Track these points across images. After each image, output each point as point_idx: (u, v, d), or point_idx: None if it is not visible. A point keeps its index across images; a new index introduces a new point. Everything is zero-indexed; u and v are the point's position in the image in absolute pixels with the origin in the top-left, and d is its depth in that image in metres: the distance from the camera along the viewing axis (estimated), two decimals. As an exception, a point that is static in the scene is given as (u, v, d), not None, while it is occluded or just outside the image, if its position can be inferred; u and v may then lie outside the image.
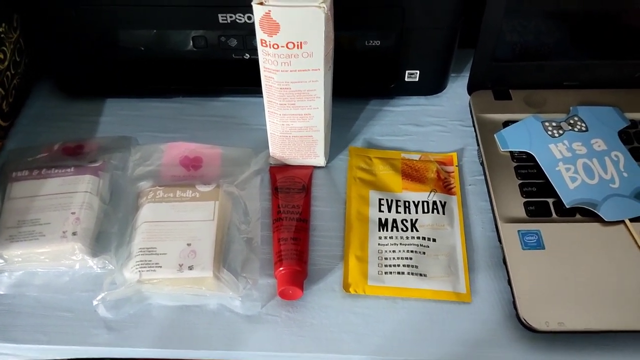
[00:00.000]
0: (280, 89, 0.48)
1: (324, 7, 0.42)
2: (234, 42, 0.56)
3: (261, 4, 0.42)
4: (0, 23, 0.54)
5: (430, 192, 0.53)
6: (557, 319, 0.44)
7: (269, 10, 0.42)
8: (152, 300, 0.47)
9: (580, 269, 0.47)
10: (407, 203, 0.53)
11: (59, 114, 0.61)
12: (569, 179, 0.51)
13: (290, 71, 0.46)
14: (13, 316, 0.47)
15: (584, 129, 0.55)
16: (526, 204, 0.51)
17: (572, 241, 0.48)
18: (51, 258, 0.48)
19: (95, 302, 0.46)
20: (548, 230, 0.49)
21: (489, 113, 0.58)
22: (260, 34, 0.44)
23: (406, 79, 0.59)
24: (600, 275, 0.46)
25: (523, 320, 0.44)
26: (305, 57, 0.45)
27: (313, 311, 0.47)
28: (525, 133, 0.55)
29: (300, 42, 0.44)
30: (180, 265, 0.46)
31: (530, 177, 0.53)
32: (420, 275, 0.48)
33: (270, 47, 0.44)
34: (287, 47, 0.44)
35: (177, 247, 0.47)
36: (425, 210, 0.52)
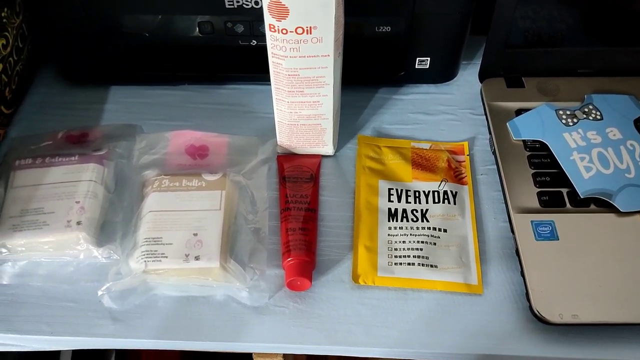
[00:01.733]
0: (289, 75, 0.46)
1: (334, -9, 0.41)
2: (240, 28, 0.55)
3: (270, -13, 0.41)
4: (3, 8, 0.53)
5: (441, 181, 0.52)
6: (571, 311, 0.43)
7: (278, -6, 0.41)
8: (157, 291, 0.46)
9: (594, 261, 0.46)
10: (417, 193, 0.52)
11: (62, 101, 0.60)
12: (584, 168, 0.50)
13: (299, 57, 0.45)
14: (17, 306, 0.46)
15: (598, 117, 0.54)
16: (539, 194, 0.50)
17: (587, 232, 0.47)
18: (55, 248, 0.47)
19: (100, 293, 0.45)
20: (562, 220, 0.48)
21: (501, 101, 0.57)
22: (268, 19, 0.43)
23: (416, 67, 0.58)
24: (615, 266, 0.45)
25: (536, 312, 0.44)
26: (314, 43, 0.44)
27: (321, 302, 0.46)
28: (538, 121, 0.54)
29: (310, 27, 0.43)
30: (187, 256, 0.45)
31: (544, 166, 0.52)
32: (431, 266, 0.47)
33: (278, 33, 0.43)
34: (296, 32, 0.43)
35: (183, 237, 0.46)
36: (436, 200, 0.51)
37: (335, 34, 0.44)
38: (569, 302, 0.44)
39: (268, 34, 0.44)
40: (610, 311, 0.43)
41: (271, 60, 0.46)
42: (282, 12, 0.42)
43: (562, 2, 0.54)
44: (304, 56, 0.45)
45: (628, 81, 0.57)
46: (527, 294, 0.45)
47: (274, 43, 0.44)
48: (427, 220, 0.50)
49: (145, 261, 0.45)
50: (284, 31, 0.43)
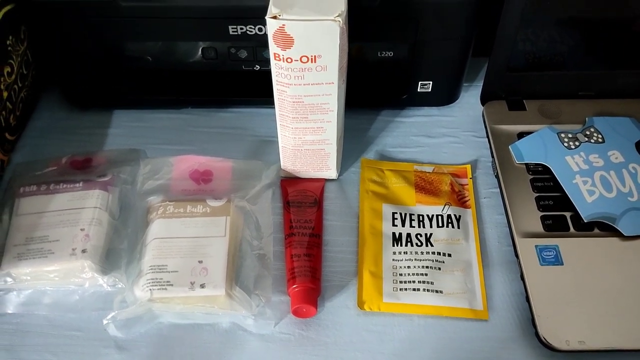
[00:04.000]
0: (293, 102, 0.47)
1: (339, 21, 0.41)
2: (244, 54, 0.55)
3: (275, 17, 0.41)
4: (8, 35, 0.53)
5: (445, 205, 0.52)
6: (577, 337, 0.43)
7: (284, 24, 0.41)
8: (163, 319, 0.46)
9: (600, 286, 0.46)
10: (421, 217, 0.52)
11: (66, 126, 0.60)
12: (587, 192, 0.51)
13: (304, 85, 0.45)
14: (22, 336, 0.46)
15: (600, 140, 0.54)
16: (543, 218, 0.50)
17: (592, 257, 0.47)
18: (61, 276, 0.47)
19: (105, 321, 0.45)
20: (566, 245, 0.48)
21: (503, 124, 0.57)
22: (273, 48, 0.43)
23: (419, 90, 0.58)
24: (621, 291, 0.45)
25: (543, 338, 0.44)
26: (319, 71, 0.44)
27: (327, 329, 0.46)
28: (540, 145, 0.54)
29: (315, 56, 0.43)
30: (192, 284, 0.45)
31: (547, 190, 0.52)
32: (436, 291, 0.47)
33: (283, 61, 0.43)
34: (301, 60, 0.43)
35: (188, 265, 0.46)
36: (440, 225, 0.51)
37: (340, 62, 0.44)
38: (575, 328, 0.44)
39: (273, 62, 0.44)
40: (618, 337, 0.43)
41: (276, 87, 0.46)
42: (287, 42, 0.42)
43: (564, 25, 0.54)
44: (309, 84, 0.45)
45: (629, 103, 0.58)
46: (532, 319, 0.45)
47: (278, 71, 0.45)
48: (432, 245, 0.50)
49: (150, 289, 0.45)
50: (289, 60, 0.43)
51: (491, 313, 0.47)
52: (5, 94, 0.53)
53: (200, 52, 0.56)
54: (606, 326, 0.44)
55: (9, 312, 0.47)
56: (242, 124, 0.60)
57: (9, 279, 0.46)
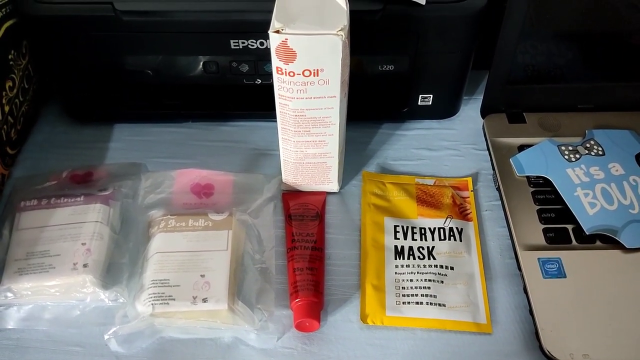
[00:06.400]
0: (295, 116, 0.47)
1: (342, 35, 0.41)
2: (245, 68, 0.55)
3: (278, 32, 0.41)
4: (10, 50, 0.53)
5: (446, 218, 0.52)
6: (581, 350, 0.43)
7: (286, 39, 0.41)
8: (165, 334, 0.46)
9: (603, 298, 0.46)
10: (423, 230, 0.52)
11: (66, 140, 0.60)
12: (588, 204, 0.51)
13: (306, 98, 0.45)
14: (22, 351, 0.45)
15: (600, 152, 0.54)
16: (545, 230, 0.50)
17: (594, 269, 0.47)
18: (62, 291, 0.46)
19: (106, 337, 0.44)
20: (569, 257, 0.48)
21: (504, 137, 0.57)
22: (276, 62, 0.43)
23: (419, 103, 0.58)
24: (624, 303, 0.45)
25: (547, 352, 0.43)
26: (321, 85, 0.44)
27: (330, 344, 0.46)
28: (541, 157, 0.54)
29: (317, 70, 0.43)
30: (194, 298, 0.45)
31: (548, 202, 0.52)
32: (439, 305, 0.47)
33: (286, 75, 0.44)
34: (304, 74, 0.44)
35: (190, 279, 0.46)
36: (442, 237, 0.51)
37: (342, 75, 0.44)
38: (579, 341, 0.44)
39: (275, 76, 0.44)
40: (622, 349, 0.43)
41: (278, 101, 0.46)
42: (289, 56, 0.42)
43: (563, 38, 0.55)
44: (311, 97, 0.45)
45: (628, 116, 0.58)
46: (536, 333, 0.45)
47: (281, 85, 0.45)
48: (434, 258, 0.50)
49: (152, 304, 0.44)
50: (291, 74, 0.44)
51: (495, 326, 0.47)
52: (6, 108, 0.53)
53: (201, 66, 0.56)
54: (610, 339, 0.44)
55: (9, 327, 0.46)
56: (243, 138, 0.60)
57: (9, 294, 0.46)
